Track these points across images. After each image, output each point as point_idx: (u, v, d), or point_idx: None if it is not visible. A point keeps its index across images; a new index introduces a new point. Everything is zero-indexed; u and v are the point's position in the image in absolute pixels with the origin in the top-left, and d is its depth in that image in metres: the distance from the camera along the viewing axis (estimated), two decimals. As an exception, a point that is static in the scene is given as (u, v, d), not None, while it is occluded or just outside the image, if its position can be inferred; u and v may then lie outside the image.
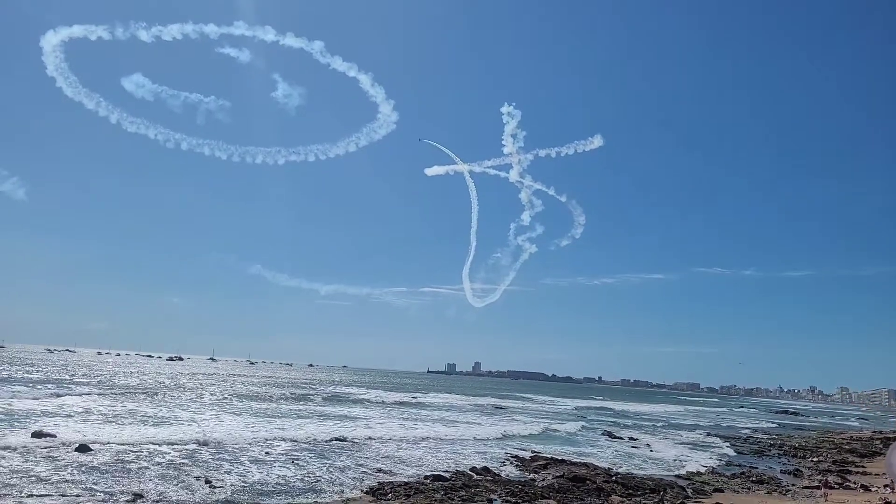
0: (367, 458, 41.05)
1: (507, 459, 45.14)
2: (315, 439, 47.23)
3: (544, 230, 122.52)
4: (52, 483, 26.92)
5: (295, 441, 45.30)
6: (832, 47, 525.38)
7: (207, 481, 29.82)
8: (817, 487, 41.28)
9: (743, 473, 46.50)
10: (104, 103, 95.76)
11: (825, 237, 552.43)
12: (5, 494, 24.35)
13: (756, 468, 50.25)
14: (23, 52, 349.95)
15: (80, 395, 69.94)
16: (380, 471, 36.73)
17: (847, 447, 72.15)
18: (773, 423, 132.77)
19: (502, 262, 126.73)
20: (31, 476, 27.75)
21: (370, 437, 50.60)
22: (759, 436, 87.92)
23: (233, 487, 29.25)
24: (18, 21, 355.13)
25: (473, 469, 39.40)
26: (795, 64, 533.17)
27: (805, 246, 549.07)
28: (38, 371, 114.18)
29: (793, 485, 42.37)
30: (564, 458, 47.37)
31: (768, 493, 38.85)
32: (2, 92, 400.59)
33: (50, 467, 29.67)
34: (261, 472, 32.85)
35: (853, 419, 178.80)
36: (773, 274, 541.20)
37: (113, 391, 79.58)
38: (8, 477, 27.21)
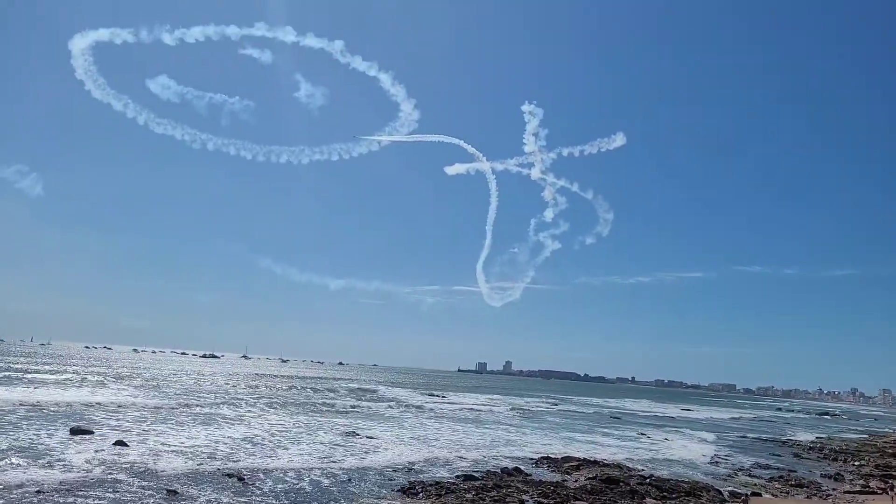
0: (397, 458, 41.14)
1: (539, 461, 44.76)
2: (350, 438, 47.65)
3: (569, 227, 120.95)
4: (88, 478, 27.48)
5: (332, 443, 45.73)
6: (866, 41, 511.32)
7: (240, 479, 30.19)
8: (859, 492, 40.15)
9: (781, 477, 45.39)
10: (132, 105, 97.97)
11: (869, 236, 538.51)
12: (43, 490, 24.92)
13: (795, 472, 49.01)
14: (51, 55, 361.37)
15: (118, 392, 71.50)
16: (410, 470, 36.77)
17: (890, 451, 70.02)
18: (813, 425, 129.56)
19: (519, 258, 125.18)
20: (68, 471, 28.41)
21: (409, 438, 50.74)
22: (799, 438, 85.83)
23: (265, 487, 29.51)
24: (47, 24, 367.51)
25: (504, 469, 39.12)
26: (832, 54, 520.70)
27: (848, 245, 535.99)
28: (78, 368, 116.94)
29: (833, 489, 41.20)
30: (597, 459, 46.84)
31: (808, 497, 37.83)
32: (32, 94, 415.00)
33: (86, 463, 30.31)
34: (294, 474, 33.09)
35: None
36: (814, 273, 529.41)
37: (153, 390, 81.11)
38: (45, 470, 27.90)
